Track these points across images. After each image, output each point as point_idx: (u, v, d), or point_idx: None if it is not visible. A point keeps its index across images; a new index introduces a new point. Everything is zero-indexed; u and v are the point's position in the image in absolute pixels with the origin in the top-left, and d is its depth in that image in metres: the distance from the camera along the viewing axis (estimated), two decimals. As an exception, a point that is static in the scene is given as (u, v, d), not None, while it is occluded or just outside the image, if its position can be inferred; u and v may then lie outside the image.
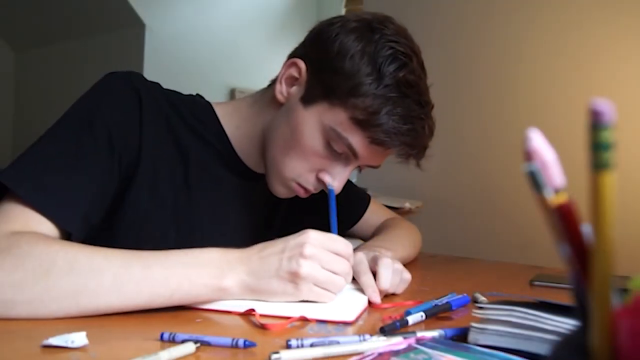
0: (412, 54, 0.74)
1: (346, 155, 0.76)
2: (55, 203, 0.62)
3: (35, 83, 3.53)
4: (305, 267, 0.60)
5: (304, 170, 0.77)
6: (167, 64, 2.89)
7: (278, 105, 0.80)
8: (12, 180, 0.61)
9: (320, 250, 0.62)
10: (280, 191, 0.82)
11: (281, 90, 0.78)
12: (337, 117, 0.73)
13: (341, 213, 0.82)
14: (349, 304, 0.63)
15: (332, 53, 0.73)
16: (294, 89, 0.78)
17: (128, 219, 0.74)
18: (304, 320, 0.58)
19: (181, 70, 2.89)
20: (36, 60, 3.54)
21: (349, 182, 1.07)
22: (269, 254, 0.61)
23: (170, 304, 0.57)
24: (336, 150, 0.75)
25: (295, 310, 0.59)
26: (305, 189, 0.80)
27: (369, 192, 1.16)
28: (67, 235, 0.63)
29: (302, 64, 0.77)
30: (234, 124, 0.84)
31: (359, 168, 0.82)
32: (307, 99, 0.75)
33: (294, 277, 0.60)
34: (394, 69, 0.72)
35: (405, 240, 1.01)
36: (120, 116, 0.71)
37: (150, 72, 2.85)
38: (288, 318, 0.57)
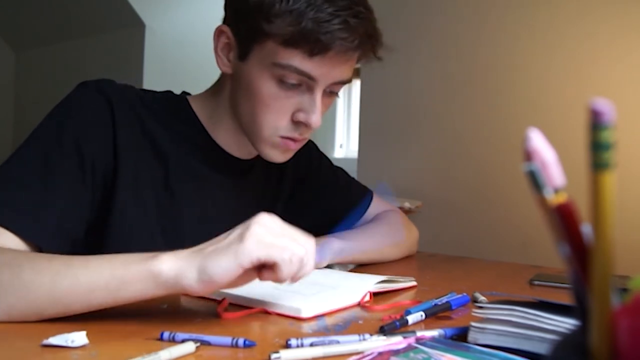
0: None
1: (305, 84, 0.75)
2: (21, 217, 0.62)
3: (35, 83, 3.53)
4: (253, 228, 0.54)
5: (277, 121, 0.76)
6: (167, 64, 2.89)
7: (230, 78, 0.80)
8: None
9: (271, 224, 0.56)
10: (274, 154, 0.80)
11: (222, 62, 0.79)
12: (271, 51, 0.72)
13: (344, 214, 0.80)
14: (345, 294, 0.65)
15: None
16: (231, 54, 0.78)
17: (115, 227, 0.74)
18: (265, 312, 0.60)
19: (181, 70, 2.89)
20: (36, 60, 3.54)
21: (354, 182, 1.06)
22: (219, 237, 0.56)
23: (109, 295, 0.53)
24: (291, 83, 0.74)
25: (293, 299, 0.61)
26: (292, 139, 0.78)
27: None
28: (38, 249, 0.63)
29: (225, 28, 0.77)
30: (207, 114, 0.84)
31: (333, 93, 0.79)
32: (243, 53, 0.75)
33: (240, 237, 0.53)
34: None
35: (376, 233, 0.98)
36: (88, 125, 0.72)
37: (150, 72, 2.86)
38: (250, 308, 0.60)
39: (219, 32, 0.78)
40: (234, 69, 0.78)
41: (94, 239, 0.72)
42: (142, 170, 0.76)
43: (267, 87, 0.74)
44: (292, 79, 0.73)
